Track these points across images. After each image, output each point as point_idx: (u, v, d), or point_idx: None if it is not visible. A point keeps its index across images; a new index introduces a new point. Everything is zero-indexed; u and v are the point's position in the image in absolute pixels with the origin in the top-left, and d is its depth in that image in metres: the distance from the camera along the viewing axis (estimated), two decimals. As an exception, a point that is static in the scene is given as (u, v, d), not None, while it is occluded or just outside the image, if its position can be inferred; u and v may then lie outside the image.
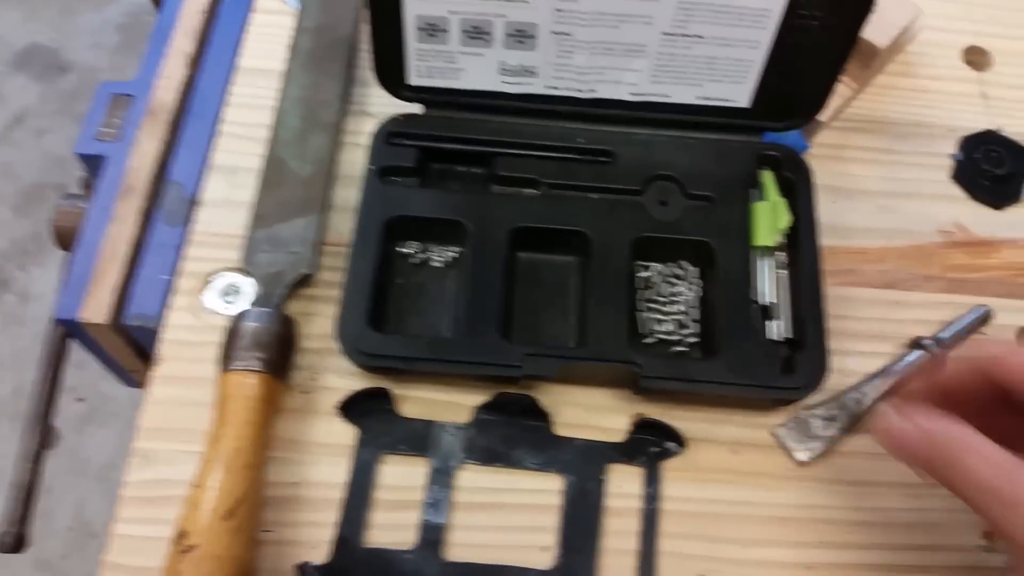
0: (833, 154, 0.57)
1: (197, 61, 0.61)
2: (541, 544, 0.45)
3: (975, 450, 0.35)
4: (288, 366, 0.48)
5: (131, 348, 0.55)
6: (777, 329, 0.48)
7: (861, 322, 0.51)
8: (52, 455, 0.56)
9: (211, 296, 0.52)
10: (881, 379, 0.48)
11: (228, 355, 0.46)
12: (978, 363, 0.38)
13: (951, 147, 0.57)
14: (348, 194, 0.55)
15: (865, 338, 0.51)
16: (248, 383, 0.45)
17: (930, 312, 0.51)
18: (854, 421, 0.47)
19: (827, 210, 0.52)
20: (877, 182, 0.56)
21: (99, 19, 1.69)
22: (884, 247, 0.54)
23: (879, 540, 0.45)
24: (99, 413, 1.37)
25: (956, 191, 0.56)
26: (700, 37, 0.49)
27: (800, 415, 0.48)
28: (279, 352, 0.47)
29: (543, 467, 0.47)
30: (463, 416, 0.48)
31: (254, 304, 0.50)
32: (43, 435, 0.55)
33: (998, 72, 0.60)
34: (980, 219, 0.55)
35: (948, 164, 0.57)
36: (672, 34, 0.49)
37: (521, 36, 0.50)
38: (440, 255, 0.52)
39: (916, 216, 0.55)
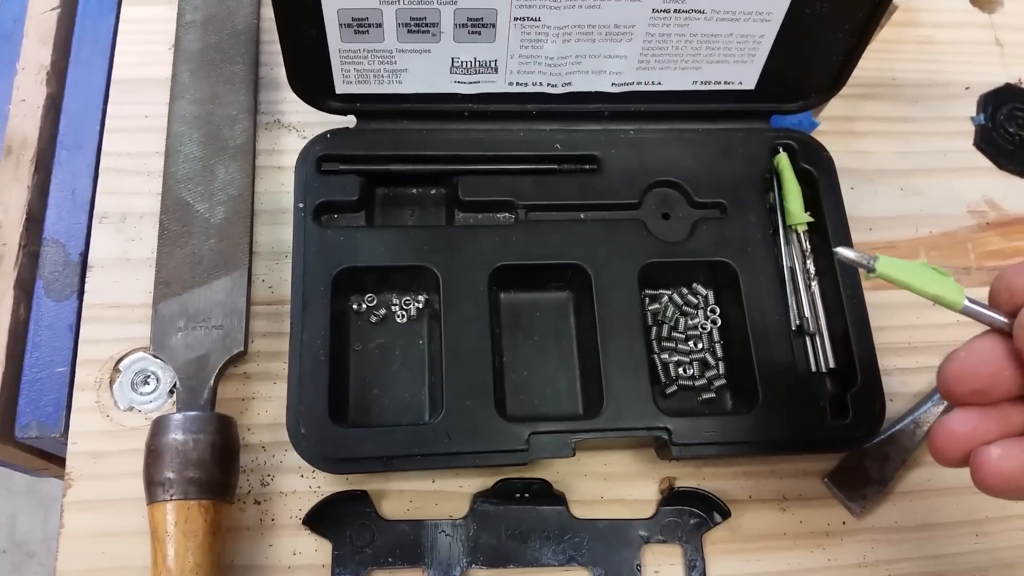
0: (844, 128, 0.47)
1: (59, 75, 0.46)
2: (576, 659, 0.36)
3: None
4: (233, 480, 0.36)
5: (33, 453, 0.42)
6: (821, 358, 0.39)
7: (900, 332, 0.43)
8: None
9: (123, 389, 0.39)
10: (935, 403, 0.40)
11: (154, 481, 0.34)
12: None
13: (970, 108, 0.48)
14: (274, 234, 0.43)
15: (907, 351, 0.42)
16: (186, 517, 0.34)
17: (976, 312, 0.43)
18: (909, 455, 0.39)
19: (846, 198, 0.42)
20: (896, 159, 0.47)
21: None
22: (914, 238, 0.45)
23: (955, 594, 0.38)
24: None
25: (982, 161, 0.47)
26: (700, 12, 0.38)
27: (851, 456, 0.39)
28: (219, 468, 0.35)
29: (566, 562, 0.37)
30: (460, 508, 0.38)
31: (175, 398, 0.38)
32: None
33: (1009, 13, 0.51)
34: (1011, 192, 0.47)
35: (969, 129, 0.48)
36: (664, 10, 0.37)
37: (476, 25, 0.37)
38: (404, 307, 0.40)
39: (943, 196, 0.46)
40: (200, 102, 0.44)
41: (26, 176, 0.44)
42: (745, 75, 0.41)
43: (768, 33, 0.39)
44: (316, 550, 0.37)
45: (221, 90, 0.44)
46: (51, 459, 0.44)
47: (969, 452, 0.27)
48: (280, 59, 0.39)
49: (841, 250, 0.29)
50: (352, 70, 0.39)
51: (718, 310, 0.41)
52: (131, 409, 0.39)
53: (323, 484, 0.38)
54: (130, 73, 0.45)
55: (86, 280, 0.41)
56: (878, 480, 0.39)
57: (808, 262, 0.41)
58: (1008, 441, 0.27)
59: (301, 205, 0.39)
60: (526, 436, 0.36)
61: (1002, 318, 0.28)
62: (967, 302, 0.29)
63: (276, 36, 0.37)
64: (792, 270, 0.40)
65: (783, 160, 0.41)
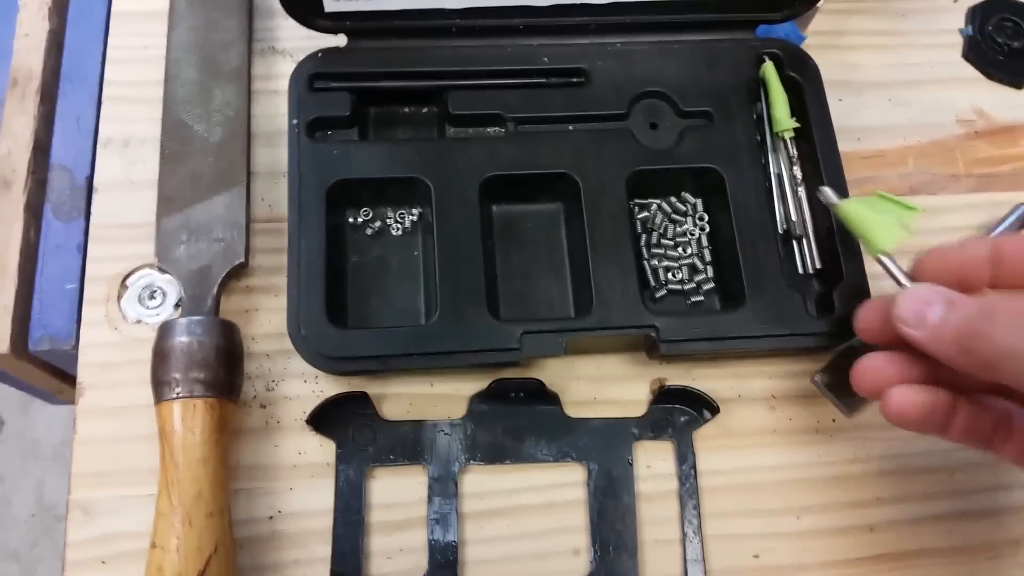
0: (832, 43, 0.47)
1: (61, 10, 0.47)
2: (572, 547, 0.37)
3: (1004, 310, 0.29)
4: (237, 381, 0.37)
5: (48, 371, 0.44)
6: (808, 260, 0.40)
7: (887, 236, 0.43)
8: None
9: (131, 303, 0.40)
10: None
11: (161, 381, 0.36)
12: (996, 243, 0.32)
13: (959, 20, 0.48)
14: (272, 155, 0.43)
15: (897, 254, 0.42)
16: (192, 413, 0.35)
17: (963, 216, 0.43)
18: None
19: (834, 109, 0.42)
20: (884, 71, 0.47)
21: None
22: (902, 147, 0.45)
23: (943, 487, 0.39)
24: (42, 391, 1.24)
25: (970, 72, 0.47)
26: (683, -85, 0.38)
27: (840, 356, 0.40)
28: (223, 368, 0.36)
29: (559, 457, 0.38)
30: (458, 410, 0.39)
31: (181, 310, 0.39)
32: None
33: (999, -75, 0.50)
34: (1000, 101, 0.46)
35: (958, 42, 0.48)
36: (648, -86, 0.38)
37: (462, -65, 0.38)
38: (398, 220, 0.41)
39: (931, 106, 0.46)
40: (196, 29, 0.44)
41: (32, 107, 0.44)
42: (730, -17, 0.41)
43: (751, -63, 0.39)
44: (320, 447, 0.38)
45: (216, 17, 0.44)
46: (64, 379, 0.45)
47: (880, 388, 0.32)
48: (272, -13, 0.39)
49: (825, 189, 0.36)
50: (342, -14, 0.39)
51: (706, 217, 0.41)
52: (139, 322, 0.40)
53: (326, 388, 0.39)
54: (129, 6, 0.46)
55: (92, 202, 0.42)
56: (866, 378, 0.39)
57: (795, 168, 0.41)
58: (908, 387, 0.32)
59: (295, 121, 0.40)
60: (519, 335, 0.37)
61: (904, 282, 0.33)
62: (882, 257, 0.34)
63: (270, -37, 0.38)
64: (779, 176, 0.41)
65: (769, 68, 0.42)
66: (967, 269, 0.32)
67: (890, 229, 0.34)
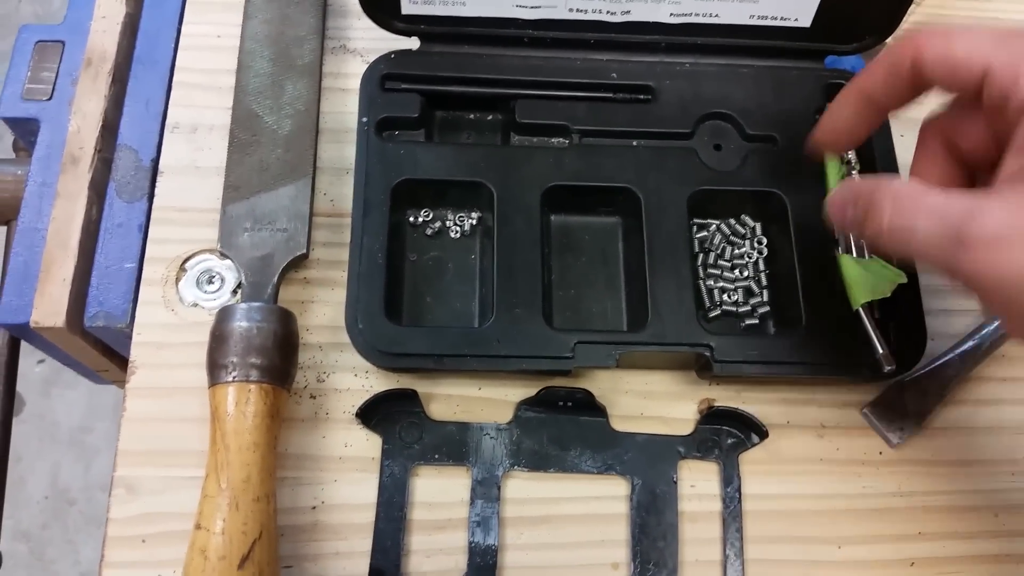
0: (894, 78, 0.46)
1: (138, -5, 0.48)
2: (612, 560, 0.36)
3: (892, 189, 0.29)
4: (291, 370, 0.37)
5: (98, 348, 0.43)
6: (864, 292, 0.39)
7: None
8: (18, 422, 0.44)
9: (188, 286, 0.40)
10: (975, 343, 0.40)
11: (217, 364, 0.35)
12: (892, 54, 0.32)
13: None
14: (337, 151, 0.43)
15: (948, 294, 0.42)
16: (247, 398, 0.35)
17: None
18: (948, 391, 0.39)
19: (895, 145, 0.42)
20: (945, 109, 0.46)
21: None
22: (961, 185, 0.44)
23: (987, 527, 0.38)
24: (64, 374, 1.23)
25: (1032, 115, 0.46)
26: (763, -59, 0.38)
27: (891, 389, 0.39)
28: (279, 355, 0.36)
29: (604, 469, 0.37)
30: (504, 415, 0.38)
31: (241, 296, 0.39)
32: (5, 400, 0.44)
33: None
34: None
35: None
36: (728, -62, 0.38)
37: (543, -53, 0.38)
38: (458, 223, 0.41)
39: (992, 146, 0.45)
40: (271, 22, 0.44)
41: (104, 87, 0.45)
42: (801, 11, 0.41)
43: (828, -33, 0.39)
44: (367, 441, 0.37)
45: (291, 12, 0.45)
46: (114, 358, 0.45)
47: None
48: (349, -13, 0.40)
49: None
50: (420, -10, 0.39)
51: (765, 240, 0.41)
52: (195, 305, 0.40)
53: (376, 384, 0.39)
54: (205, -5, 0.47)
55: (156, 184, 0.42)
56: (916, 413, 0.39)
57: (855, 200, 0.40)
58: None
59: (365, 119, 0.40)
60: (572, 344, 0.36)
61: (873, 338, 0.37)
62: (860, 309, 0.37)
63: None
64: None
65: (831, 163, 0.40)
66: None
67: (870, 290, 0.37)
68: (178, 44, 0.46)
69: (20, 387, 0.46)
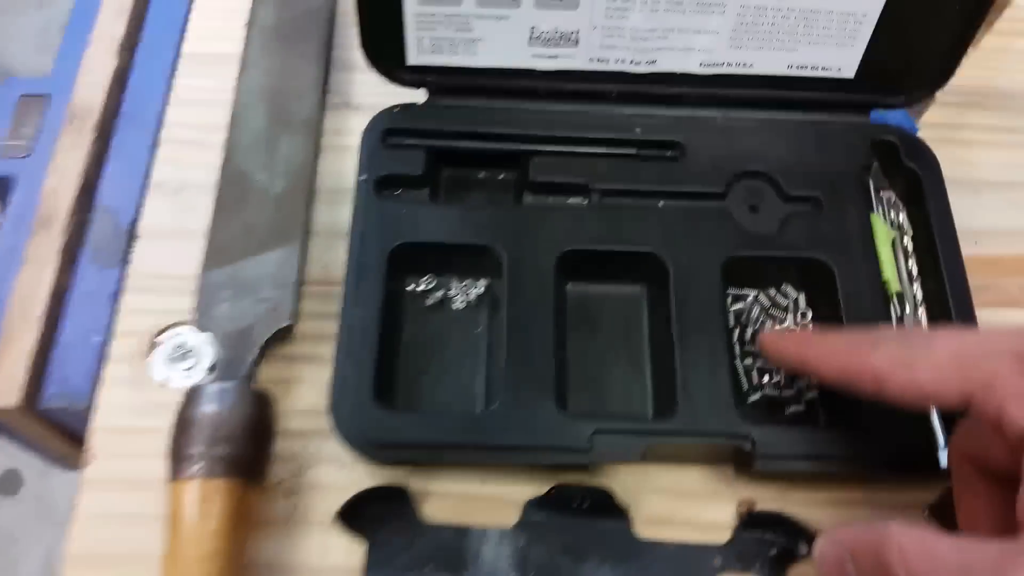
0: (946, 136, 0.42)
1: (130, 48, 0.45)
2: None
3: (898, 546, 0.24)
4: (264, 462, 0.32)
5: (57, 431, 0.39)
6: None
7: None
8: (15, 502, 0.39)
9: (159, 362, 0.36)
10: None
11: (179, 455, 0.30)
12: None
13: (1090, 120, 0.43)
14: (334, 214, 0.39)
15: None
16: (210, 495, 0.30)
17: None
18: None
19: (950, 208, 0.37)
20: (1004, 170, 0.42)
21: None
22: (1022, 256, 0.39)
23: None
24: (64, 452, 1.19)
25: (1102, 176, 0.42)
26: (801, -16, 0.34)
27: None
28: (251, 445, 0.31)
29: (627, 586, 0.32)
30: (509, 517, 0.33)
31: (213, 374, 0.34)
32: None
33: None
34: None
35: (1088, 143, 0.43)
36: (762, -20, 0.34)
37: (560, -9, 0.34)
38: (463, 293, 0.36)
39: (1059, 212, 0.40)
40: (269, 74, 0.41)
41: (86, 143, 0.41)
42: (844, 60, 0.37)
43: (871, 11, 0.35)
44: (349, 549, 0.32)
45: (291, 64, 0.42)
46: (78, 443, 0.40)
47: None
48: (353, 41, 0.36)
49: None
50: (426, 37, 0.36)
51: (810, 314, 0.36)
52: (165, 385, 0.35)
53: (362, 480, 0.33)
54: (201, 47, 0.43)
55: (133, 248, 0.38)
56: (993, 519, 0.33)
57: (915, 286, 0.35)
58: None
59: (364, 177, 0.36)
60: (589, 434, 0.31)
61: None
62: None
63: (351, 17, 0.34)
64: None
65: (876, 223, 0.36)
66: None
67: None
68: (168, 99, 0.43)
69: (20, 465, 0.41)
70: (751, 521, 0.33)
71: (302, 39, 0.42)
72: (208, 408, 0.31)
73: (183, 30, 0.44)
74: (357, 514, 0.32)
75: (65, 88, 0.43)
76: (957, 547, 0.23)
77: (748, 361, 0.35)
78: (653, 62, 0.37)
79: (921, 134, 0.41)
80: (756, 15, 0.35)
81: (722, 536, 0.33)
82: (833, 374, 0.28)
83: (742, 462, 0.32)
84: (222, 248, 0.37)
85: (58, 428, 0.38)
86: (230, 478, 0.30)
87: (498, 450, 0.31)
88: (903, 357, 0.26)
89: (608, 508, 0.33)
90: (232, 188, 0.38)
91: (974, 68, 0.44)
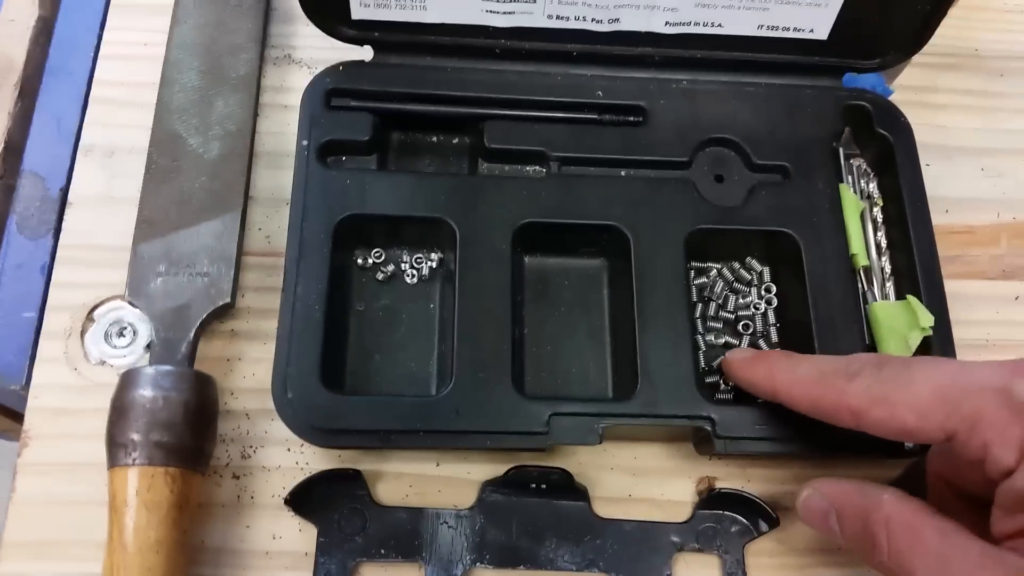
0: (920, 99, 0.41)
1: (53, -4, 0.41)
2: None
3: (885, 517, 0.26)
4: (207, 447, 0.30)
5: (-10, 408, 0.37)
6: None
7: (979, 327, 0.36)
8: None
9: (96, 340, 0.34)
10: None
11: (115, 442, 0.29)
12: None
13: (1064, 82, 0.42)
14: (276, 179, 0.37)
15: (983, 348, 0.36)
16: (148, 485, 0.28)
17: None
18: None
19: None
20: (977, 136, 0.40)
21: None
22: (995, 224, 0.39)
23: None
24: None
25: (1075, 142, 0.41)
26: (775, -62, 0.32)
27: (915, 465, 0.33)
28: (191, 431, 0.29)
29: (584, 566, 0.31)
30: (466, 498, 0.32)
31: (150, 356, 0.32)
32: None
33: (1108, -18, 0.44)
34: (1109, 178, 0.40)
35: (1061, 106, 0.41)
36: (734, -66, 0.32)
37: (516, -57, 0.32)
38: (415, 266, 0.35)
39: (1030, 178, 0.40)
40: (203, 28, 0.38)
41: (8, 102, 0.38)
42: (817, 21, 0.35)
43: (850, -30, 0.33)
44: (300, 532, 0.31)
45: (227, 16, 0.38)
46: (13, 417, 0.39)
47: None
48: (296, -9, 0.33)
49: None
50: (371, -9, 0.33)
51: (774, 288, 0.35)
52: (103, 363, 0.34)
53: (312, 461, 0.32)
54: (130, -4, 0.40)
55: (64, 218, 0.36)
56: (952, 493, 0.33)
57: (883, 259, 0.34)
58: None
59: (305, 142, 0.34)
60: (546, 417, 0.30)
61: None
62: None
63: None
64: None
65: (845, 193, 0.35)
66: None
67: (896, 342, 0.33)
68: (98, 53, 0.40)
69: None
70: (710, 500, 0.32)
71: (240, -12, 0.39)
72: (145, 392, 0.29)
73: (111, -24, 0.41)
74: (308, 497, 0.31)
75: (-17, 40, 0.40)
76: (942, 534, 0.24)
77: (710, 338, 0.34)
78: (616, 20, 0.34)
79: (894, 96, 0.39)
80: (725, -30, 0.33)
81: (681, 515, 0.32)
82: (807, 405, 0.28)
83: (702, 440, 0.32)
84: (154, 218, 0.34)
85: (-9, 408, 0.36)
86: (168, 467, 0.29)
87: (452, 434, 0.30)
88: (881, 393, 0.25)
89: (566, 488, 0.32)
90: (164, 153, 0.36)
91: (950, 28, 0.42)
